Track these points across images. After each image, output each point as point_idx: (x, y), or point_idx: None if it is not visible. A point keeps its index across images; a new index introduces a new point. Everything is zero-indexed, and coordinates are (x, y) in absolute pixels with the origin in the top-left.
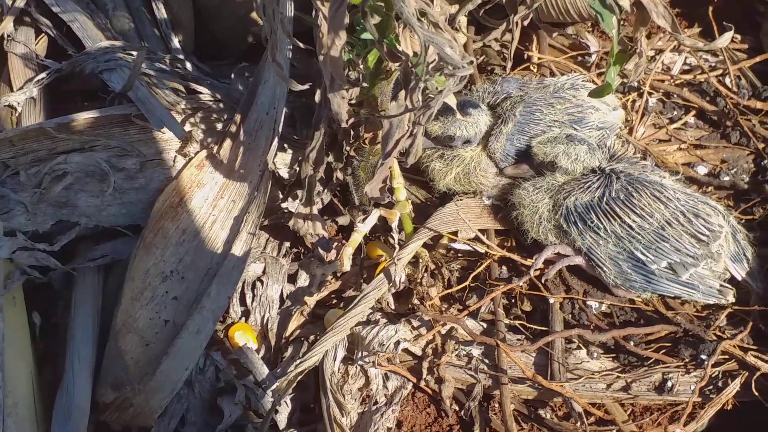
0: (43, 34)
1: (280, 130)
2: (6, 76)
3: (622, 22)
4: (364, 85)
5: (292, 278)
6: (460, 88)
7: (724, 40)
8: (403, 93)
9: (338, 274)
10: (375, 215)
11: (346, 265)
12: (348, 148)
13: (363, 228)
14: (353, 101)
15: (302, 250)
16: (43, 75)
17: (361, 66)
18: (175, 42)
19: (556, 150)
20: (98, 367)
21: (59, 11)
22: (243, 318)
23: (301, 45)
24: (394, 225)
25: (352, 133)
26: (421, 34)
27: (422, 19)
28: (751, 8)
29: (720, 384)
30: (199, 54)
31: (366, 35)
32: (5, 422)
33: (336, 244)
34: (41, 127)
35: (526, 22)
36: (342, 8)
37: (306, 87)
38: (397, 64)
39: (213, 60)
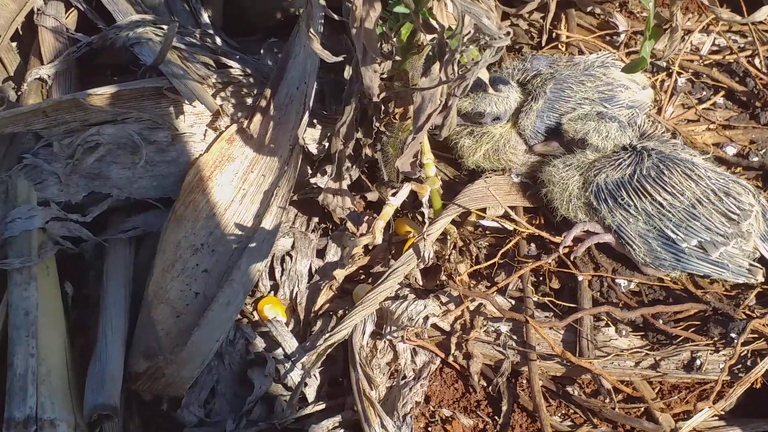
0: (73, 8)
1: (311, 104)
2: (36, 50)
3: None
4: (397, 58)
5: (320, 253)
6: (496, 59)
7: (762, 14)
8: (436, 66)
9: (370, 248)
10: (406, 189)
11: (378, 238)
12: (377, 124)
13: (394, 201)
14: (384, 75)
15: (330, 226)
16: (73, 48)
17: (394, 39)
18: (205, 17)
19: (586, 127)
20: (130, 338)
21: None
22: (272, 292)
23: (336, 17)
24: (424, 200)
25: (382, 108)
26: (458, 3)
27: None
28: None
29: (749, 363)
30: (227, 29)
31: (400, 8)
32: (39, 390)
33: (367, 217)
34: (74, 98)
35: None
36: None
37: (340, 59)
38: (431, 37)
39: (241, 36)
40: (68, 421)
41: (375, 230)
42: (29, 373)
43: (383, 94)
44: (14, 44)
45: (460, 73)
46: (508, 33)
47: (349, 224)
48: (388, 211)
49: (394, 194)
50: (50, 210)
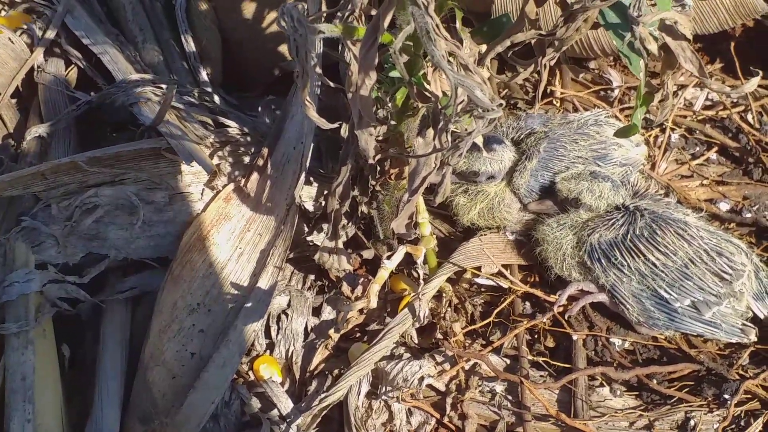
0: (73, 66)
1: (308, 164)
2: (36, 107)
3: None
4: (392, 122)
5: (316, 311)
6: (489, 129)
7: (751, 85)
8: (430, 131)
9: (364, 311)
10: (401, 252)
11: (373, 302)
12: (373, 183)
13: (389, 264)
14: (380, 137)
15: (326, 283)
16: (73, 107)
17: (390, 104)
18: (204, 75)
19: (580, 187)
20: (126, 400)
21: (89, 43)
22: (268, 351)
23: (332, 84)
24: (419, 261)
25: (378, 168)
26: (451, 77)
27: (451, 60)
28: None
29: (743, 423)
30: (226, 86)
31: (395, 73)
32: None
33: (362, 279)
34: (73, 161)
35: (552, 63)
36: (373, 49)
37: (335, 126)
38: (423, 104)
39: (240, 92)
40: None
41: (370, 294)
42: None
43: (378, 156)
44: (14, 101)
45: (453, 142)
46: (500, 104)
47: (345, 287)
48: (383, 275)
49: (389, 257)
50: (48, 273)
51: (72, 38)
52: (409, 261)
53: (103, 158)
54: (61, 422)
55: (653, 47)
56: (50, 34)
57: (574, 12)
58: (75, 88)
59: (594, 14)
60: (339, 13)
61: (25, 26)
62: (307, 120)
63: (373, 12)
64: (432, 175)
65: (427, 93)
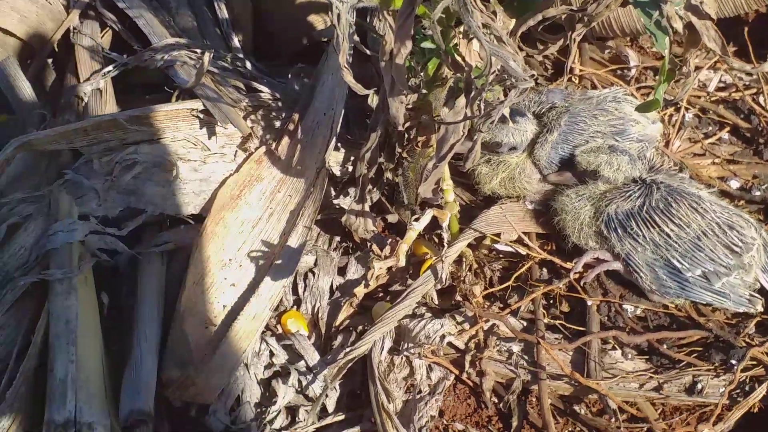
0: (108, 28)
1: (338, 130)
2: (72, 67)
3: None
4: (423, 91)
5: (341, 271)
6: (521, 99)
7: None
8: (461, 100)
9: (393, 269)
10: (429, 215)
11: (402, 261)
12: (399, 150)
13: (418, 226)
14: (409, 106)
15: (351, 245)
16: (110, 67)
17: (421, 74)
18: (236, 41)
19: (599, 159)
20: (162, 347)
21: (125, 7)
22: (295, 306)
23: (368, 52)
24: (444, 225)
25: (405, 136)
26: (487, 47)
27: (486, 31)
28: None
29: (747, 388)
30: (255, 54)
31: (427, 44)
32: (78, 395)
33: (390, 240)
34: (114, 119)
35: (579, 38)
36: (410, 19)
37: (371, 92)
38: (457, 73)
39: (268, 59)
40: (105, 425)
41: (399, 253)
42: (69, 379)
43: (408, 124)
44: (50, 60)
45: (485, 110)
46: (532, 75)
47: (374, 247)
48: (411, 236)
49: (416, 219)
50: (89, 224)
51: (107, 2)
52: (431, 227)
53: (143, 117)
54: (102, 365)
55: (678, 25)
56: None
57: None
58: (110, 50)
59: None
60: None
61: None
62: (338, 88)
63: None
64: (459, 142)
65: (461, 63)
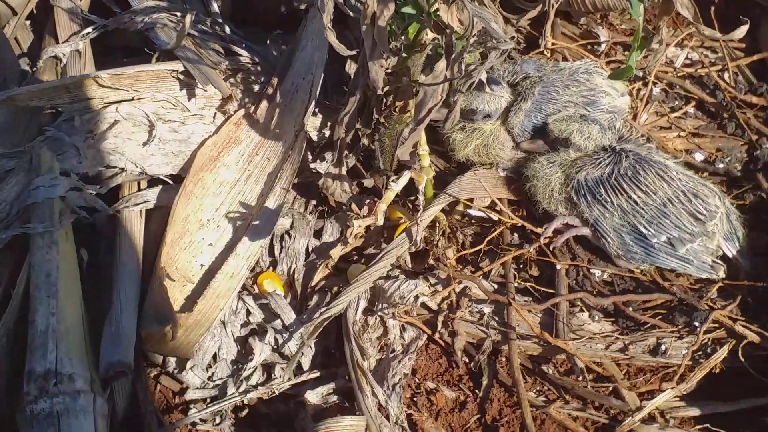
0: None
1: (317, 94)
2: (51, 29)
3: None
4: (403, 55)
5: (317, 234)
6: (501, 60)
7: (739, 33)
8: (440, 64)
9: (364, 231)
10: (406, 177)
11: (380, 219)
12: (377, 116)
13: (396, 187)
14: (388, 70)
15: (326, 209)
16: (89, 29)
17: (402, 38)
18: (215, 6)
19: (571, 128)
20: (141, 303)
21: None
22: (271, 268)
23: (351, 13)
24: (420, 188)
25: (383, 101)
26: (469, 8)
27: None
28: (749, 9)
29: (709, 350)
30: (234, 20)
31: (407, 9)
32: (58, 346)
33: (368, 201)
34: (97, 76)
35: (557, 5)
36: None
37: (353, 53)
38: (433, 37)
39: (246, 26)
40: (85, 377)
41: (378, 212)
42: (50, 330)
43: (387, 88)
44: (28, 23)
45: (466, 72)
46: (512, 37)
47: (353, 206)
48: (389, 195)
49: (395, 180)
50: (71, 180)
51: None
52: (405, 193)
53: (124, 76)
54: (82, 319)
55: None
56: None
57: None
58: (89, 12)
59: None
60: None
61: None
62: (318, 52)
63: None
64: (437, 107)
65: (442, 25)
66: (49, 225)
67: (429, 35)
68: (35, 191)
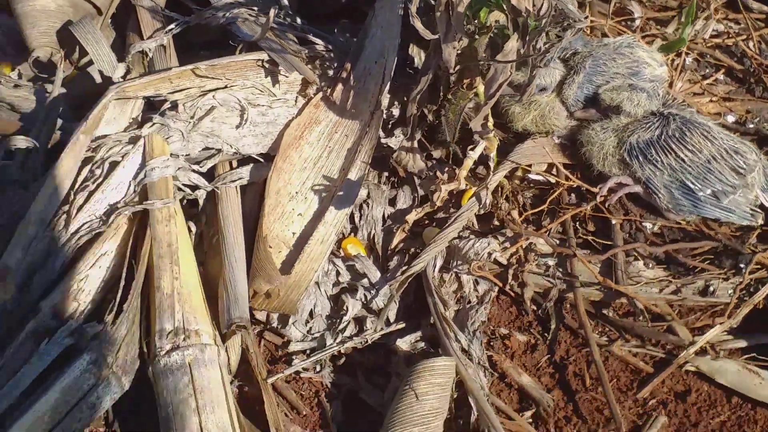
0: None
1: (391, 75)
2: (135, 26)
3: None
4: (476, 37)
5: (391, 202)
6: (576, 38)
7: None
8: (510, 44)
9: (455, 192)
10: (481, 146)
11: (462, 184)
12: (443, 93)
13: (473, 155)
14: (458, 51)
15: (396, 180)
16: (172, 25)
17: (475, 21)
18: (284, 0)
19: (621, 96)
20: (248, 267)
21: None
22: (352, 234)
23: (432, 1)
24: (492, 154)
25: (449, 79)
26: None
27: None
28: None
29: (752, 289)
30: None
31: None
32: (183, 307)
33: (447, 168)
34: (195, 67)
35: None
36: None
37: (436, 37)
38: (497, 19)
39: (308, 19)
40: (208, 332)
41: (460, 177)
42: (175, 293)
43: (458, 67)
44: (109, 21)
45: (543, 49)
46: (586, 17)
47: (438, 173)
48: (468, 163)
49: (472, 149)
50: (179, 161)
51: None
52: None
53: (218, 67)
54: (198, 281)
55: None
56: None
57: None
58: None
59: None
60: None
61: None
62: (389, 39)
63: None
64: (506, 81)
65: (520, 7)
66: (167, 200)
67: (492, 17)
68: (152, 171)
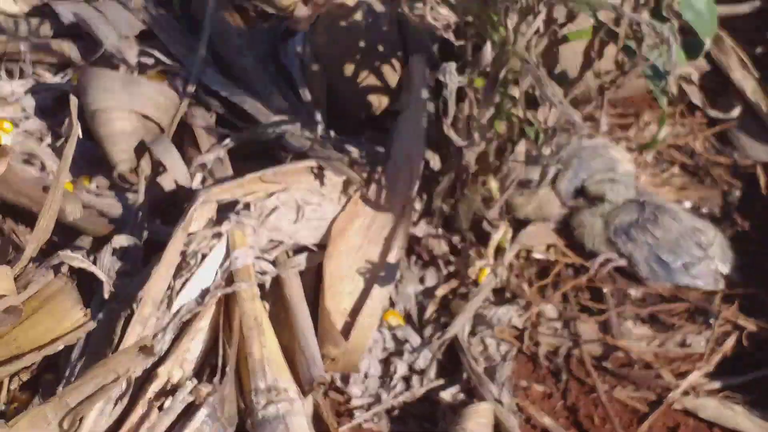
0: (212, 112)
1: (420, 175)
2: (192, 142)
3: None
4: (493, 142)
5: (420, 280)
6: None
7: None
8: (520, 146)
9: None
10: (502, 230)
11: (491, 260)
12: (459, 189)
13: (496, 237)
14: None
15: (423, 261)
16: (227, 140)
17: (491, 131)
18: (318, 116)
19: (604, 188)
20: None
21: (227, 95)
22: (390, 307)
23: (459, 115)
24: (508, 237)
25: (466, 176)
26: (559, 108)
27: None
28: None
29: (720, 341)
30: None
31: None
32: (271, 369)
33: (474, 249)
34: (263, 174)
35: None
36: (491, 92)
37: (465, 143)
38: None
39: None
40: (293, 389)
41: (489, 255)
42: (264, 359)
43: (476, 167)
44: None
45: (554, 151)
46: (588, 124)
47: (471, 252)
48: (493, 242)
49: (495, 233)
50: (253, 251)
51: (208, 91)
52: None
53: (279, 173)
54: (278, 348)
55: (674, 89)
56: (191, 88)
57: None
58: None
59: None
60: (467, 69)
61: (166, 82)
62: (415, 145)
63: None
64: (517, 177)
65: (533, 121)
66: (250, 283)
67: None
68: (236, 260)
